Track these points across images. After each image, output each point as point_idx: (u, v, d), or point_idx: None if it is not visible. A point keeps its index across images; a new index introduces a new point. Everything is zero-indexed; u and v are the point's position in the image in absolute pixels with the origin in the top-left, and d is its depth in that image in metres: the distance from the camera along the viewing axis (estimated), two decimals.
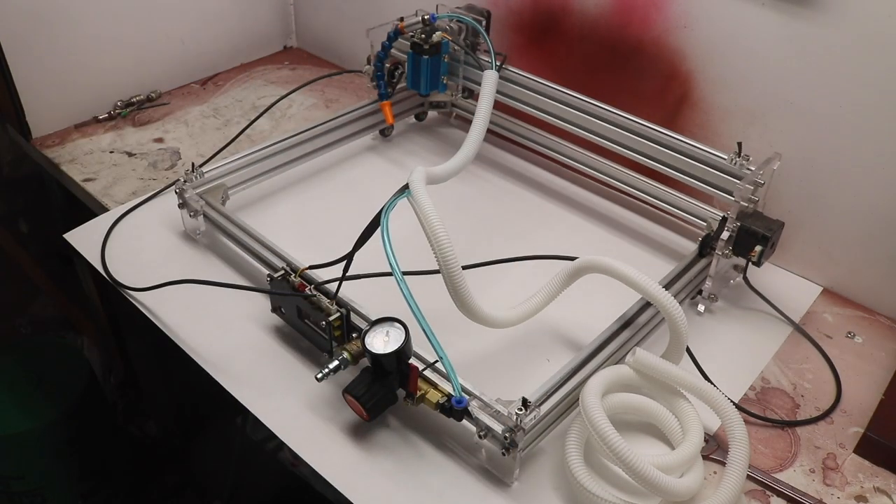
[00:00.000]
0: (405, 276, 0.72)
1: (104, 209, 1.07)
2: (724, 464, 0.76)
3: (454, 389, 0.70)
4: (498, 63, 1.06)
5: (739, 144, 0.91)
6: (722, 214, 0.92)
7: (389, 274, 0.80)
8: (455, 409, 0.69)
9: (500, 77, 1.10)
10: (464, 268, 0.86)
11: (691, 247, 0.96)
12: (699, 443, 0.72)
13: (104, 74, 1.28)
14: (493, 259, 0.91)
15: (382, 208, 0.75)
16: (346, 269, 0.78)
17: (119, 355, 1.56)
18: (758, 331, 0.92)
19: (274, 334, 0.87)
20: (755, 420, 0.81)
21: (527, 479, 0.73)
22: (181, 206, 0.98)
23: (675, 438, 0.75)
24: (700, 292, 0.93)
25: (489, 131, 1.21)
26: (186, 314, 0.89)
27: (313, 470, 0.73)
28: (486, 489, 0.72)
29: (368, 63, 1.15)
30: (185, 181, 0.96)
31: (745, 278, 0.95)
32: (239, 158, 1.03)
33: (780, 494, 0.74)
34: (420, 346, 0.74)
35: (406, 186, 0.76)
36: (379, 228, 0.73)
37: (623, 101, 1.03)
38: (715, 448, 0.77)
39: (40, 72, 1.20)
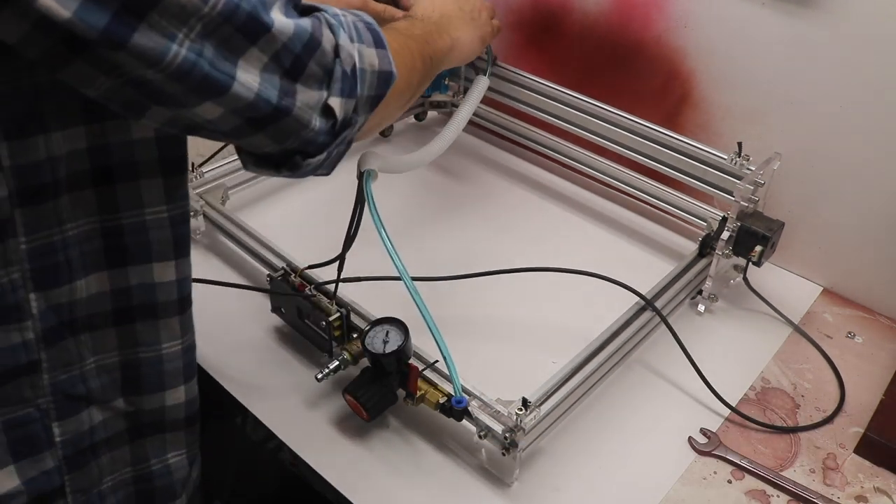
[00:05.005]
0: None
1: None
2: (724, 460, 0.76)
3: (455, 389, 0.70)
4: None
5: (739, 144, 0.91)
6: (722, 214, 0.92)
7: (388, 278, 0.80)
8: (455, 409, 0.69)
9: (499, 76, 1.10)
10: (464, 277, 0.86)
11: (691, 247, 0.96)
12: None
13: None
14: (493, 264, 0.91)
15: (360, 207, 0.75)
16: (340, 269, 0.77)
17: None
18: (758, 331, 0.92)
19: (274, 334, 0.87)
20: (758, 426, 0.80)
21: (527, 479, 0.73)
22: None
23: None
24: (700, 292, 0.93)
25: (490, 131, 1.22)
26: None
27: (313, 470, 0.73)
28: (486, 489, 0.72)
29: None
30: None
31: (745, 278, 0.95)
32: None
33: (781, 489, 0.74)
34: (420, 346, 0.74)
35: (362, 174, 0.75)
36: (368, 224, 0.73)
37: (623, 101, 1.02)
38: (717, 444, 0.77)
39: None
